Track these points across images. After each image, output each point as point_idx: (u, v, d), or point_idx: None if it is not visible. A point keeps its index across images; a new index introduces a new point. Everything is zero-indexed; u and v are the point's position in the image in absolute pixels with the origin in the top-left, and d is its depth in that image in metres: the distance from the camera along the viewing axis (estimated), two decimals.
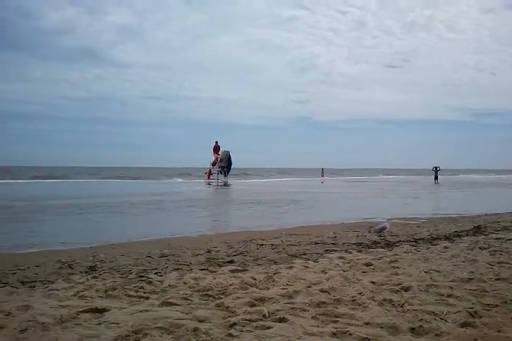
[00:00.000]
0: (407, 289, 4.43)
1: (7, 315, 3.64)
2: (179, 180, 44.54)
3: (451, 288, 4.45)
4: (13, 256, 6.87)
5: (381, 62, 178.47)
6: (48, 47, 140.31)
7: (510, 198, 23.71)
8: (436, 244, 7.53)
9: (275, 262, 6.16)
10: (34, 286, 4.85)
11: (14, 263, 6.08)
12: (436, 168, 44.75)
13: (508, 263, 5.66)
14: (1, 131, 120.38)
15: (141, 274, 5.31)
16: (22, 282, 5.05)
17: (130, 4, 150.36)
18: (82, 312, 3.78)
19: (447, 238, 8.29)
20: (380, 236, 8.58)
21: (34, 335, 3.22)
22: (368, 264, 5.80)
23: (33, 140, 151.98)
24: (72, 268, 5.84)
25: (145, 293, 4.50)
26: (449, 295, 4.19)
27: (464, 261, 5.89)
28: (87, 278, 5.15)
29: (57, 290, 4.61)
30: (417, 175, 57.68)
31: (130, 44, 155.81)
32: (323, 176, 58.28)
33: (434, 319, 3.53)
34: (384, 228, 8.72)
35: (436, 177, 43.98)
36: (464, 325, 3.40)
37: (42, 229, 10.11)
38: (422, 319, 3.52)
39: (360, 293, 4.29)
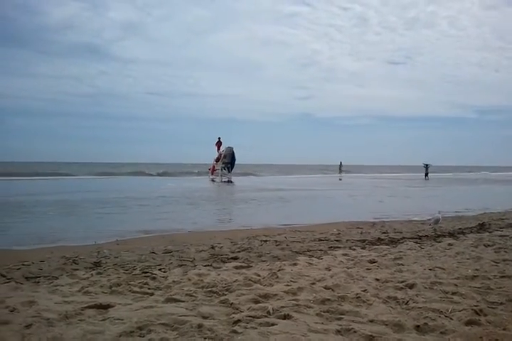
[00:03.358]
0: (411, 286, 4.42)
1: (12, 311, 3.65)
2: (182, 176, 44.51)
3: (456, 285, 4.44)
4: (18, 252, 6.90)
5: (383, 59, 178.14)
6: (51, 43, 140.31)
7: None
8: (440, 241, 7.51)
9: (279, 259, 6.15)
10: (38, 282, 4.86)
11: (19, 259, 6.09)
12: (426, 165, 45.61)
13: None
14: (4, 127, 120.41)
15: (146, 270, 5.32)
16: (26, 277, 5.06)
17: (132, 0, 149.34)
18: (86, 308, 3.79)
19: (451, 235, 8.27)
20: (437, 226, 9.17)
21: (39, 331, 3.22)
22: (372, 261, 5.79)
23: (36, 136, 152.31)
24: (76, 264, 5.85)
25: (149, 289, 4.51)
26: (454, 293, 4.18)
27: (468, 259, 5.88)
28: (92, 274, 5.17)
29: (62, 285, 4.63)
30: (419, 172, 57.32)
31: (132, 40, 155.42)
32: (341, 172, 52.58)
33: (439, 316, 3.51)
34: (438, 219, 9.23)
35: (426, 174, 44.85)
36: (469, 322, 3.39)
37: (47, 226, 10.14)
38: (426, 316, 3.51)
39: (364, 290, 4.29)
